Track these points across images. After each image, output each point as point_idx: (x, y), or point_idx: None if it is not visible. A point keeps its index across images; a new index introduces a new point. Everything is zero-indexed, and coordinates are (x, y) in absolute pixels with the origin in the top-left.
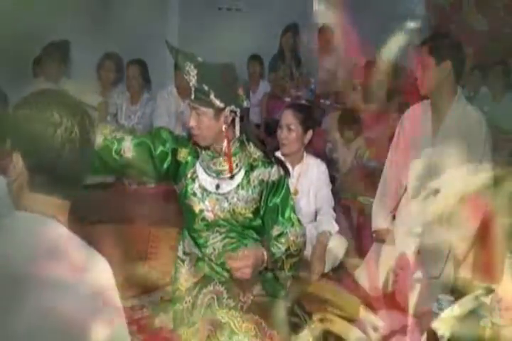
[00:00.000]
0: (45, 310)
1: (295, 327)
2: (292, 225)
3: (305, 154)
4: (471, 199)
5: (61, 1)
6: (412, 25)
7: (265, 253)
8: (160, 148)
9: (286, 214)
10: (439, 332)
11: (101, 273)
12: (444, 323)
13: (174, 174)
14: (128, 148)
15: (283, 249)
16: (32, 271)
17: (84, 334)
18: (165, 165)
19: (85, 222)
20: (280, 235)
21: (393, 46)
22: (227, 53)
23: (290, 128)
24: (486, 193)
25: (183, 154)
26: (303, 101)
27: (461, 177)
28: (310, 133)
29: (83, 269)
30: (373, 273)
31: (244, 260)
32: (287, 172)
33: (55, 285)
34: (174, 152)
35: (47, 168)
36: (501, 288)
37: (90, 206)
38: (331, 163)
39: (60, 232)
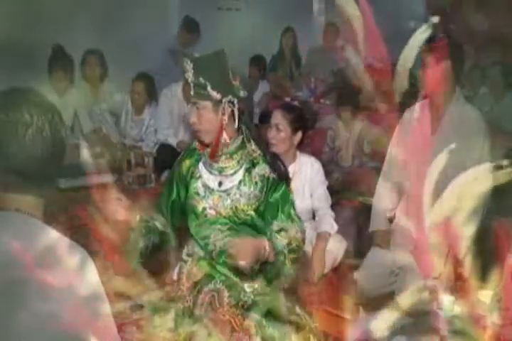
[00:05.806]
0: (37, 313)
1: (295, 327)
2: (292, 221)
3: (298, 153)
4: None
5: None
6: (412, 25)
7: (268, 244)
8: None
9: (286, 210)
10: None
11: (89, 272)
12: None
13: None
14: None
15: (284, 242)
16: (22, 271)
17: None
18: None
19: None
20: (280, 230)
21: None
22: (227, 53)
23: (278, 127)
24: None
25: (186, 165)
26: (295, 103)
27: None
28: (299, 134)
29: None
30: (372, 273)
31: (243, 246)
32: (286, 176)
33: (47, 287)
34: (182, 181)
35: (19, 168)
36: (501, 288)
37: (90, 206)
38: (333, 152)
39: (46, 231)
